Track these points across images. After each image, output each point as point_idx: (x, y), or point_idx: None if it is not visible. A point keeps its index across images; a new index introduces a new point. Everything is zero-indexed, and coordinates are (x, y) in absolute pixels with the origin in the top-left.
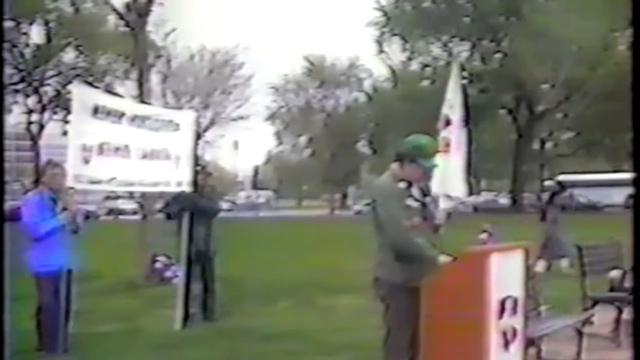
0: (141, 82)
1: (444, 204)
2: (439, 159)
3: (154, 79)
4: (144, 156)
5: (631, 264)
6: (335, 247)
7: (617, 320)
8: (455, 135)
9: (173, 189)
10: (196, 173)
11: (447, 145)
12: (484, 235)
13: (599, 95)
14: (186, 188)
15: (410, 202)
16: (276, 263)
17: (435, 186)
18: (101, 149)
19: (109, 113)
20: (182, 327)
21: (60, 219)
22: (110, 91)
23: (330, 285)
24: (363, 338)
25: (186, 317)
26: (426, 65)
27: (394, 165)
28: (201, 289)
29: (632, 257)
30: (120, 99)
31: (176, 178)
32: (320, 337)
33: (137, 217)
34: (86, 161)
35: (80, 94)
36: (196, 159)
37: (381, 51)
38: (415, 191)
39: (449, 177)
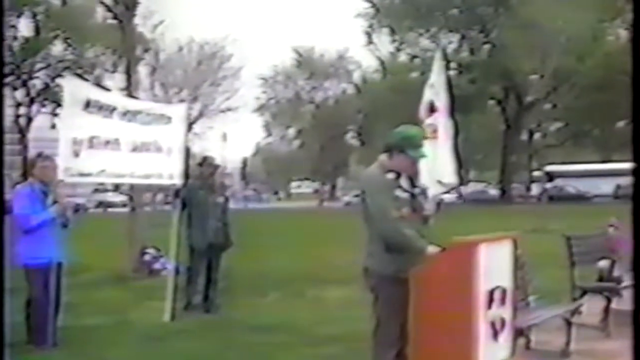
0: (129, 75)
1: (435, 190)
2: (426, 146)
3: (142, 71)
4: (135, 149)
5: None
6: (325, 238)
7: (606, 310)
8: (442, 122)
9: (165, 181)
10: (200, 166)
11: (435, 131)
12: (611, 230)
13: (588, 86)
14: (177, 181)
15: (399, 192)
16: (266, 254)
17: (425, 173)
18: (91, 143)
19: (100, 107)
20: (170, 319)
21: (50, 211)
22: (99, 84)
23: (320, 276)
24: (352, 329)
25: (186, 306)
26: (415, 57)
27: (383, 156)
28: (204, 281)
29: (632, 251)
30: (112, 93)
31: (168, 170)
32: (310, 328)
33: (126, 209)
34: (76, 154)
35: (72, 88)
36: (187, 152)
37: (370, 42)
38: (404, 182)
39: (438, 163)
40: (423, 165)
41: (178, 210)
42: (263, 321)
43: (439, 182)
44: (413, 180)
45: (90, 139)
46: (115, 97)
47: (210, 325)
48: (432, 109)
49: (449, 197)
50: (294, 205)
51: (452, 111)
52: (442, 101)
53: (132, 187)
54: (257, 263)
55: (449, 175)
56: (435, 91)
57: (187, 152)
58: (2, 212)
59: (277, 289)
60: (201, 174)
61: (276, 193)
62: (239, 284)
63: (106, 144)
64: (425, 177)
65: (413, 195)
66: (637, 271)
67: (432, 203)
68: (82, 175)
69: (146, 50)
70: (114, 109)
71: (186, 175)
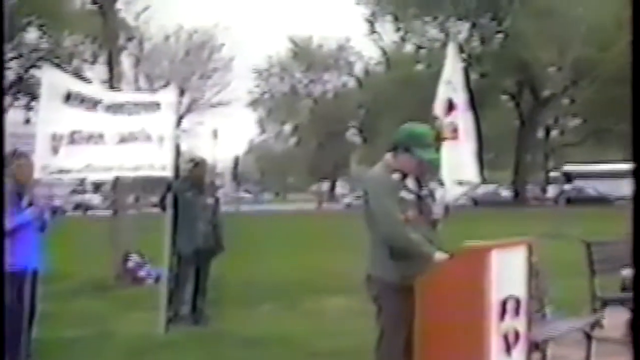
0: (111, 66)
1: (456, 192)
2: (447, 146)
3: (126, 62)
4: (122, 140)
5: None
6: (324, 244)
7: (630, 323)
8: (462, 120)
9: (157, 172)
10: (191, 169)
11: (455, 131)
12: None
13: (610, 78)
14: (170, 173)
15: (404, 194)
16: (259, 261)
17: (446, 175)
18: (72, 138)
19: (82, 100)
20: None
21: (26, 214)
22: (80, 76)
23: (318, 285)
24: (354, 343)
25: (170, 320)
26: (421, 47)
27: (388, 156)
28: (192, 289)
29: (632, 251)
30: (94, 86)
31: (160, 161)
32: (307, 342)
33: (107, 212)
34: (55, 151)
35: (51, 79)
36: (176, 149)
37: (372, 32)
38: (410, 183)
39: (459, 164)
40: (444, 168)
41: (171, 208)
42: (256, 334)
43: (459, 182)
44: (420, 181)
45: (71, 134)
46: (99, 90)
47: (198, 338)
48: (450, 107)
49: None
50: (290, 207)
51: (474, 107)
52: (460, 98)
53: (114, 187)
54: (250, 270)
55: (471, 174)
56: (452, 87)
57: (176, 150)
58: (2, 212)
59: (271, 299)
60: (189, 173)
61: (278, 194)
62: (229, 294)
63: (89, 138)
64: (447, 180)
65: (420, 197)
66: (637, 271)
67: (441, 206)
68: (62, 172)
69: (129, 39)
70: (99, 101)
71: (176, 174)
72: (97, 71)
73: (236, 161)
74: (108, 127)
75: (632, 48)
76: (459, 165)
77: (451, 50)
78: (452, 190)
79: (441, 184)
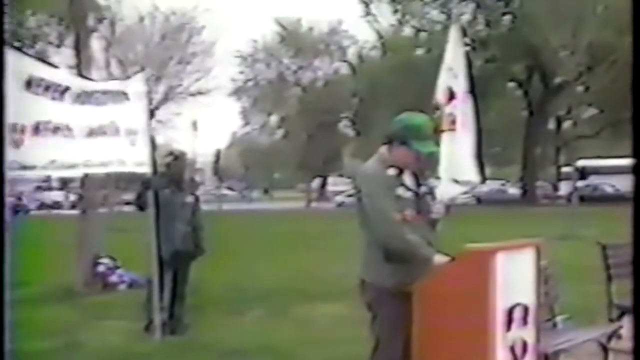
0: (79, 50)
1: (452, 191)
2: (444, 139)
3: (96, 45)
4: (90, 133)
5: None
6: (314, 245)
7: None
8: (460, 110)
9: (129, 168)
10: (168, 163)
11: (453, 122)
12: None
13: (628, 64)
14: (146, 169)
15: (401, 191)
16: (244, 264)
17: (442, 171)
18: (37, 130)
19: (47, 88)
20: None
21: None
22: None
23: (308, 291)
24: (346, 353)
25: (148, 326)
26: (421, 30)
27: (383, 149)
28: (170, 295)
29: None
30: (61, 71)
31: (133, 157)
32: (296, 352)
33: (76, 211)
34: (17, 144)
35: (11, 64)
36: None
37: (367, 13)
38: (407, 179)
39: (457, 159)
40: (441, 162)
41: (152, 207)
42: (240, 344)
43: (457, 181)
44: (418, 177)
45: (35, 126)
46: (66, 76)
47: (176, 348)
48: (450, 96)
49: (461, 198)
50: (277, 206)
51: (475, 98)
52: (460, 86)
53: (83, 184)
54: (233, 275)
55: (469, 172)
56: (453, 74)
57: (152, 143)
58: (2, 213)
59: (257, 305)
60: (168, 168)
61: (266, 191)
62: (211, 300)
63: (55, 130)
64: (443, 176)
65: (418, 195)
66: (637, 270)
67: (441, 204)
68: (24, 168)
69: (100, 20)
70: (66, 89)
71: (153, 170)
72: (64, 55)
73: (217, 155)
74: (76, 118)
75: (632, 50)
76: (456, 161)
77: (453, 33)
78: (448, 189)
79: (438, 179)
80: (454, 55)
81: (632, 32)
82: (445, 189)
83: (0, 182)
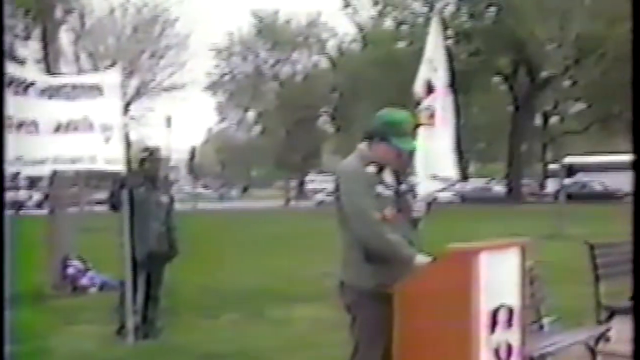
0: (46, 43)
1: (430, 187)
2: (422, 133)
3: (65, 38)
4: (58, 128)
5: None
6: (292, 246)
7: None
8: (440, 104)
9: (101, 166)
10: (143, 160)
11: (432, 116)
12: None
13: (619, 57)
14: (120, 167)
15: (381, 189)
16: (219, 266)
17: (419, 166)
18: None
19: (10, 83)
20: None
21: None
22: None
23: (286, 293)
24: (325, 356)
25: (120, 330)
26: (402, 23)
27: (362, 145)
28: (143, 297)
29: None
30: (26, 66)
31: (107, 154)
32: (273, 356)
33: (44, 211)
34: None
35: None
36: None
37: (347, 5)
38: (387, 176)
39: (435, 154)
40: (418, 157)
41: (127, 206)
42: (215, 348)
43: (434, 177)
44: (399, 174)
45: None
46: (31, 71)
47: (148, 353)
48: (430, 89)
49: (444, 196)
50: (254, 204)
51: (454, 91)
52: (440, 79)
53: (51, 182)
54: (208, 276)
55: (447, 168)
56: (433, 67)
57: (126, 140)
58: (2, 212)
59: (233, 308)
60: (142, 165)
61: (246, 189)
62: (185, 302)
63: (19, 127)
64: (420, 172)
65: (398, 193)
66: (637, 271)
67: (422, 202)
68: None
69: (68, 12)
70: (30, 84)
71: (127, 167)
72: (31, 48)
73: (193, 152)
74: (43, 113)
75: (632, 45)
76: (434, 156)
77: (434, 25)
78: (425, 186)
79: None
80: (434, 47)
81: (632, 31)
82: (423, 185)
83: (1, 184)
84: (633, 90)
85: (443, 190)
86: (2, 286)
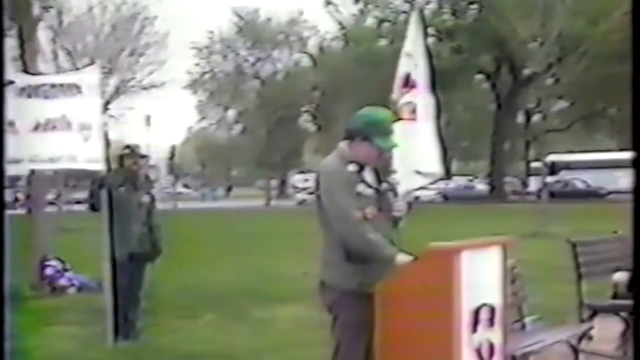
0: (23, 41)
1: (413, 183)
2: (403, 129)
3: (42, 36)
4: (37, 127)
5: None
6: (273, 246)
7: (624, 335)
8: (421, 100)
9: (82, 165)
10: (122, 156)
11: (413, 111)
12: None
13: (601, 55)
14: (99, 166)
15: (362, 188)
16: (199, 266)
17: (400, 163)
18: None
19: None
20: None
21: None
22: None
23: (267, 293)
24: (305, 356)
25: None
26: (384, 20)
27: (343, 144)
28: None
29: (633, 251)
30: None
31: (86, 153)
32: (253, 357)
33: (21, 210)
34: None
35: None
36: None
37: (328, 3)
38: (368, 175)
39: (417, 150)
40: (398, 153)
41: (106, 206)
42: (195, 348)
43: (418, 172)
44: (379, 173)
45: None
46: (9, 69)
47: (127, 354)
48: (409, 84)
49: (426, 194)
50: (235, 204)
51: (434, 86)
52: (421, 74)
53: (29, 181)
54: (188, 277)
55: (432, 163)
56: (413, 62)
57: (105, 139)
58: (2, 211)
59: (213, 308)
60: (121, 165)
61: (229, 189)
62: (165, 303)
63: None
64: (401, 168)
65: (379, 192)
66: (637, 270)
67: (403, 201)
68: None
69: (46, 9)
70: (9, 83)
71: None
72: (8, 46)
73: (172, 152)
74: (20, 113)
75: (632, 44)
76: (417, 152)
77: (414, 19)
78: (408, 182)
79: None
80: (413, 42)
81: (632, 31)
82: (406, 181)
83: (1, 182)
84: (633, 90)
85: (429, 185)
86: (2, 285)
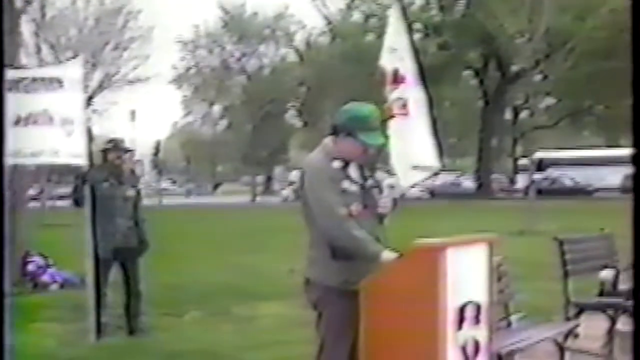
0: (2, 33)
1: (410, 179)
2: (397, 126)
3: (25, 29)
4: (18, 122)
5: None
6: (257, 242)
7: (610, 332)
8: (412, 94)
9: (65, 160)
10: (105, 151)
11: (404, 106)
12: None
13: (589, 51)
14: (82, 161)
15: (347, 185)
16: (184, 263)
17: (397, 160)
18: None
19: None
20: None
21: None
22: None
23: (251, 290)
24: (290, 354)
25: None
26: (371, 15)
27: (327, 140)
28: (124, 294)
29: (632, 249)
30: None
31: (69, 148)
32: (238, 354)
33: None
34: None
35: None
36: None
37: None
38: (353, 171)
39: (413, 145)
40: (394, 151)
41: (89, 201)
42: (179, 346)
43: (416, 167)
44: (364, 169)
45: None
46: None
47: (111, 351)
48: (397, 79)
49: (412, 191)
50: (219, 200)
51: (424, 80)
52: (408, 68)
53: (12, 178)
54: (172, 274)
55: (428, 157)
56: (398, 56)
57: (88, 134)
58: (2, 210)
59: (197, 305)
60: (106, 160)
61: (217, 186)
62: (148, 300)
63: None
64: (398, 165)
65: (364, 188)
66: (637, 271)
67: (388, 198)
68: None
69: (28, 2)
70: None
71: (89, 162)
72: None
73: (157, 147)
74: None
75: (632, 43)
76: (412, 146)
77: (394, 12)
78: (407, 177)
79: (390, 173)
80: (396, 35)
81: (632, 31)
82: (405, 177)
83: (1, 181)
84: (633, 90)
85: (424, 181)
86: (2, 282)
